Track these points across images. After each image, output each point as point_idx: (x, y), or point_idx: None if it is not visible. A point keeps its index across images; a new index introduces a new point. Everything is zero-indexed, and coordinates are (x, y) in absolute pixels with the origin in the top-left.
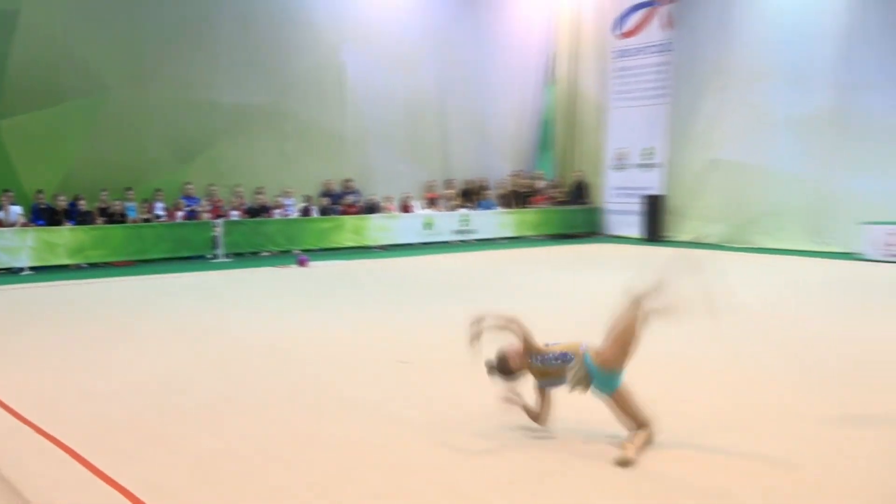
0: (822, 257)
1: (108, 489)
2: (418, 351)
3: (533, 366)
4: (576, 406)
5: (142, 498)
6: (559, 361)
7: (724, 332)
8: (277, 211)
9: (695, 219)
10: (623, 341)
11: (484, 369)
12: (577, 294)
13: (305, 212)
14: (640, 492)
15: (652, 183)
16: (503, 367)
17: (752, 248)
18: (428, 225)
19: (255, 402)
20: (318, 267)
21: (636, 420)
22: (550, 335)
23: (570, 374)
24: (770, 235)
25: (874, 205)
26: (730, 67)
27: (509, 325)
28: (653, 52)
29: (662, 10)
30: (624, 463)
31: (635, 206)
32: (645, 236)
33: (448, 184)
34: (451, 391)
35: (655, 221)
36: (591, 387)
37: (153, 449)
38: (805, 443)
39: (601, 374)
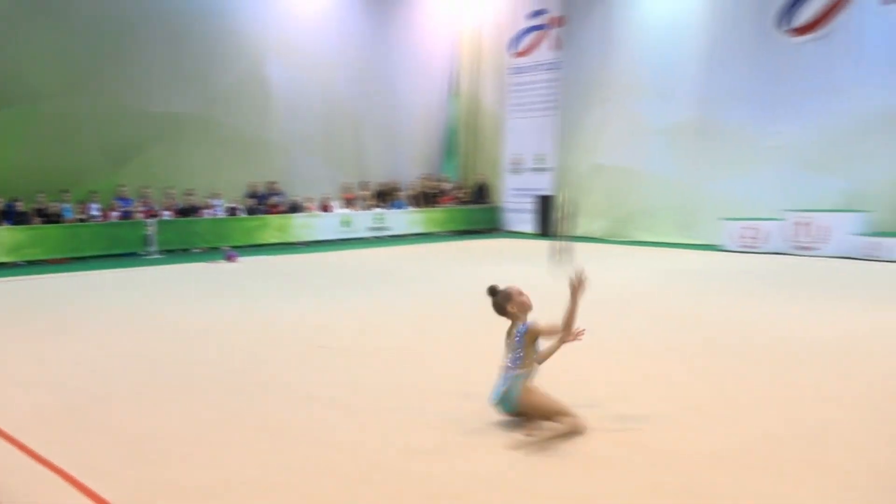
0: (690, 248)
1: (45, 471)
2: (338, 337)
3: (513, 327)
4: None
5: (77, 478)
6: (516, 352)
7: (613, 315)
8: (207, 211)
9: (582, 216)
10: (542, 405)
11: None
12: (476, 281)
13: (233, 211)
14: (563, 470)
15: (544, 184)
16: (500, 303)
17: (631, 241)
18: (346, 223)
19: (186, 387)
20: (246, 262)
21: (556, 415)
22: (453, 313)
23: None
24: (646, 230)
25: (732, 203)
26: (610, 83)
27: (570, 306)
28: (544, 70)
29: (551, 33)
30: (530, 436)
31: (529, 205)
32: (538, 232)
33: (363, 185)
34: (371, 374)
35: (547, 218)
36: (496, 399)
37: (88, 433)
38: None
39: (514, 399)
